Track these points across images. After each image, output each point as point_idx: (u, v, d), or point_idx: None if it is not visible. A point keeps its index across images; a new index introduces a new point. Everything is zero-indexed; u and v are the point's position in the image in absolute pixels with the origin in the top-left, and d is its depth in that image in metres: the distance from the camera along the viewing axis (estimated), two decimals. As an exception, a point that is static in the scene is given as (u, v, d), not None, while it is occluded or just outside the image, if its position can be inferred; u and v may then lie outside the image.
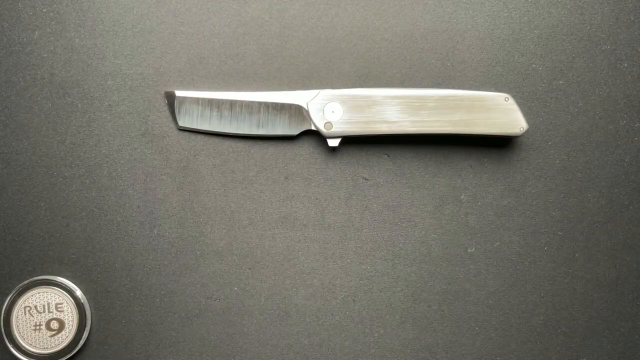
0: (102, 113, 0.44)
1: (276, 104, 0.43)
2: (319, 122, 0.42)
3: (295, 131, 0.43)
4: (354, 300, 0.44)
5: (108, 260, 0.44)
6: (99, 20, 0.44)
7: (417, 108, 0.42)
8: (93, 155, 0.44)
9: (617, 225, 0.44)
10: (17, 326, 0.43)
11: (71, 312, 0.43)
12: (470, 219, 0.44)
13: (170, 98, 0.43)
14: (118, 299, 0.43)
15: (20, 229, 0.43)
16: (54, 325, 0.43)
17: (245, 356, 0.43)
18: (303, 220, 0.44)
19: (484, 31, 0.44)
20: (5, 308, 0.43)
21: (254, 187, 0.44)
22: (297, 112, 0.43)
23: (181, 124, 0.43)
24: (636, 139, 0.44)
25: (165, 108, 0.44)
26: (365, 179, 0.44)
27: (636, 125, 0.44)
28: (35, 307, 0.43)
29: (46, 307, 0.43)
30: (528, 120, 0.43)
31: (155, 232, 0.44)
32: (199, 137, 0.44)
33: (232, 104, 0.43)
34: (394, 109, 0.42)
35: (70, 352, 0.43)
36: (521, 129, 0.42)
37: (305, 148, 0.44)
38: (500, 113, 0.42)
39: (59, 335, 0.43)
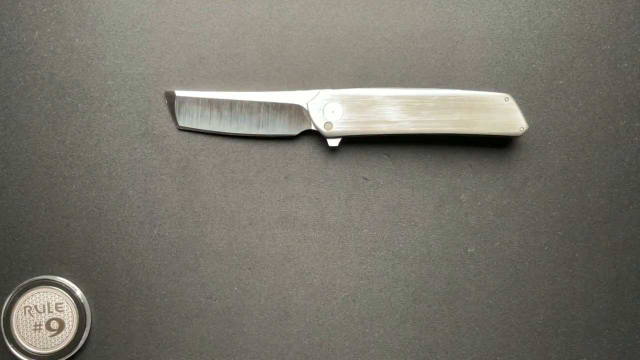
0: (102, 113, 0.44)
1: (276, 104, 0.43)
2: (319, 122, 0.42)
3: (295, 131, 0.43)
4: (354, 300, 0.44)
5: (108, 260, 0.44)
6: (99, 20, 0.44)
7: (417, 108, 0.42)
8: (93, 155, 0.44)
9: (617, 225, 0.44)
10: (17, 326, 0.43)
11: (71, 312, 0.43)
12: (470, 219, 0.44)
13: (170, 98, 0.43)
14: (118, 299, 0.43)
15: (20, 229, 0.43)
16: (54, 325, 0.43)
17: (245, 356, 0.44)
18: (303, 220, 0.44)
19: (484, 31, 0.44)
20: (5, 308, 0.43)
21: (254, 187, 0.44)
22: (297, 112, 0.43)
23: (181, 124, 0.43)
24: (636, 139, 0.44)
25: (165, 108, 0.44)
26: (365, 179, 0.44)
27: (636, 125, 0.44)
28: (35, 307, 0.43)
29: (46, 307, 0.43)
30: (528, 120, 0.43)
31: (155, 232, 0.44)
32: (199, 137, 0.44)
33: (232, 104, 0.43)
34: (394, 109, 0.42)
35: (70, 352, 0.43)
36: (521, 129, 0.42)
37: (305, 148, 0.44)
38: (500, 113, 0.42)
39: (59, 335, 0.43)
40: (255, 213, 0.44)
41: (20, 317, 0.43)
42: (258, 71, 0.44)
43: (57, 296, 0.43)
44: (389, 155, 0.44)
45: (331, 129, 0.42)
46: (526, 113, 0.43)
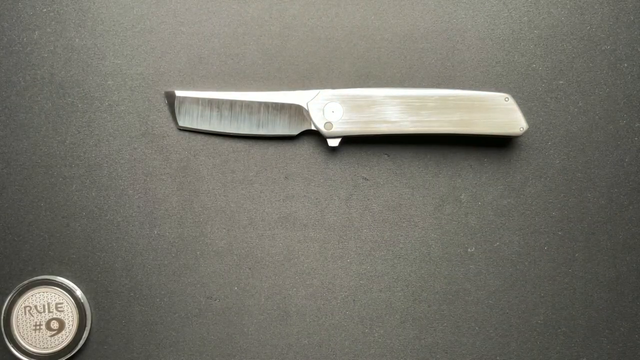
0: (102, 113, 0.44)
1: (276, 104, 0.43)
2: (319, 122, 0.42)
3: (295, 131, 0.43)
4: (354, 300, 0.44)
5: (108, 260, 0.44)
6: (99, 20, 0.44)
7: (417, 108, 0.42)
8: (93, 155, 0.44)
9: (617, 225, 0.44)
10: (17, 326, 0.43)
11: (71, 312, 0.43)
12: (470, 219, 0.44)
13: (170, 98, 0.43)
14: (118, 299, 0.43)
15: (20, 229, 0.43)
16: (54, 325, 0.43)
17: (245, 356, 0.44)
18: (303, 220, 0.44)
19: (484, 31, 0.44)
20: (5, 308, 0.43)
21: (254, 187, 0.44)
22: (297, 112, 0.43)
23: (181, 124, 0.43)
24: (636, 139, 0.44)
25: (165, 108, 0.44)
26: (365, 179, 0.44)
27: (636, 125, 0.44)
28: (35, 307, 0.43)
29: (46, 307, 0.43)
30: (528, 120, 0.43)
31: (155, 232, 0.44)
32: (199, 137, 0.44)
33: (232, 104, 0.43)
34: (394, 109, 0.42)
35: (70, 352, 0.43)
36: (521, 129, 0.42)
37: (305, 148, 0.44)
38: (500, 113, 0.42)
39: (59, 335, 0.43)
40: (255, 213, 0.44)
41: (20, 317, 0.43)
42: (258, 71, 0.44)
43: (57, 296, 0.43)
44: (389, 155, 0.44)
45: (331, 129, 0.42)
46: (526, 113, 0.43)
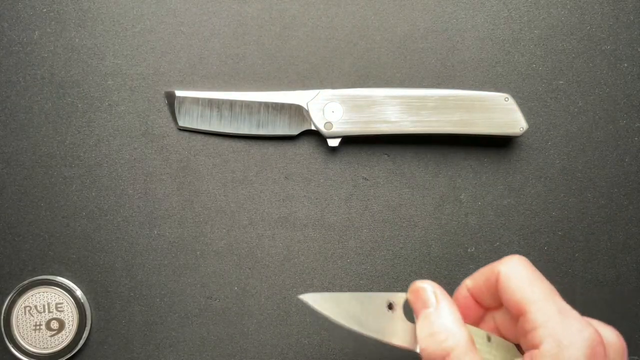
0: (102, 113, 0.44)
1: (276, 104, 0.43)
2: (319, 122, 0.42)
3: (295, 131, 0.43)
4: (354, 300, 0.44)
5: (108, 260, 0.44)
6: (99, 20, 0.44)
7: (417, 108, 0.42)
8: (93, 155, 0.44)
9: (617, 225, 0.44)
10: (17, 326, 0.43)
11: (71, 312, 0.43)
12: (470, 219, 0.44)
13: (170, 98, 0.43)
14: (118, 299, 0.43)
15: (20, 229, 0.43)
16: (54, 325, 0.43)
17: (245, 356, 0.43)
18: (303, 220, 0.44)
19: (484, 31, 0.44)
20: (6, 308, 0.43)
21: (254, 187, 0.44)
22: (297, 112, 0.43)
23: (181, 124, 0.43)
24: (636, 139, 0.44)
25: (165, 108, 0.44)
26: (365, 179, 0.44)
27: (636, 125, 0.44)
28: (35, 307, 0.43)
29: (46, 307, 0.43)
30: (528, 120, 0.43)
31: (155, 232, 0.44)
32: (199, 137, 0.44)
33: (232, 104, 0.43)
34: (394, 109, 0.42)
35: (70, 352, 0.43)
36: (521, 129, 0.42)
37: (305, 148, 0.44)
38: (500, 113, 0.42)
39: (59, 335, 0.43)
40: (255, 213, 0.44)
41: (20, 317, 0.43)
42: (258, 71, 0.44)
43: (57, 296, 0.43)
44: (389, 155, 0.44)
45: (331, 129, 0.42)
46: (526, 113, 0.43)
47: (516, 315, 0.30)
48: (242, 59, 0.44)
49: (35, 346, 0.43)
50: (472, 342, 0.30)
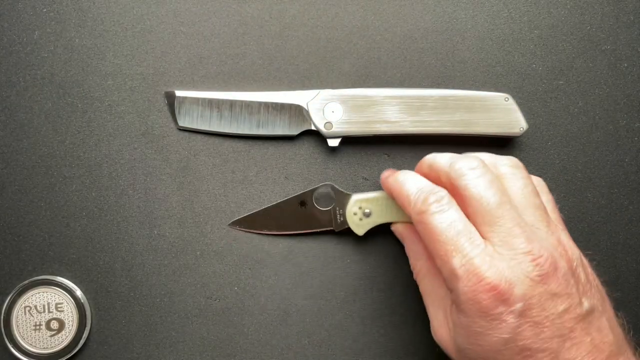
0: (102, 113, 0.44)
1: (276, 104, 0.43)
2: (319, 122, 0.42)
3: (295, 131, 0.43)
4: (354, 300, 0.44)
5: (108, 260, 0.44)
6: (99, 20, 0.44)
7: (417, 108, 0.42)
8: (93, 155, 0.44)
9: (617, 225, 0.44)
10: (17, 326, 0.43)
11: (71, 312, 0.43)
12: (470, 219, 0.44)
13: (170, 98, 0.43)
14: (118, 299, 0.43)
15: (20, 229, 0.43)
16: (54, 325, 0.43)
17: (245, 356, 0.43)
18: (303, 220, 0.44)
19: (484, 31, 0.44)
20: (5, 308, 0.43)
21: (254, 187, 0.44)
22: (297, 112, 0.43)
23: (181, 124, 0.43)
24: (636, 139, 0.44)
25: (165, 108, 0.44)
26: (365, 179, 0.44)
27: (636, 125, 0.44)
28: (35, 307, 0.43)
29: (46, 307, 0.43)
30: (528, 120, 0.43)
31: (155, 232, 0.44)
32: (199, 137, 0.44)
33: (232, 104, 0.43)
34: (394, 109, 0.42)
35: (70, 352, 0.43)
36: (521, 129, 0.42)
37: (305, 148, 0.44)
38: (500, 113, 0.42)
39: (59, 335, 0.43)
40: (255, 213, 0.44)
41: (20, 317, 0.43)
42: (258, 71, 0.44)
43: (57, 296, 0.43)
44: (389, 155, 0.44)
45: (331, 129, 0.42)
46: (526, 113, 0.43)
47: None
48: (242, 59, 0.44)
49: (35, 346, 0.43)
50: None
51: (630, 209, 0.44)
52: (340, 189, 0.42)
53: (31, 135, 0.44)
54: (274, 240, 0.44)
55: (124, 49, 0.44)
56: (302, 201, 0.43)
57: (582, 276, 0.34)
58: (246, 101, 0.43)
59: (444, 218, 0.34)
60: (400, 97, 0.42)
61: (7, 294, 0.43)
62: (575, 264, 0.34)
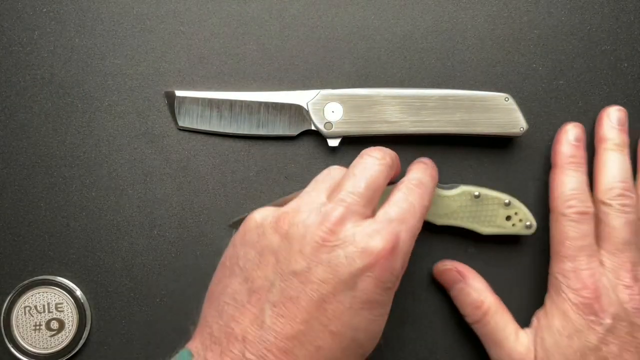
0: (102, 113, 0.44)
1: (276, 104, 0.43)
2: (319, 122, 0.42)
3: (295, 131, 0.43)
4: (354, 300, 0.44)
5: (108, 260, 0.44)
6: (99, 20, 0.44)
7: (417, 108, 0.42)
8: (93, 155, 0.44)
9: (617, 225, 0.44)
10: (17, 326, 0.43)
11: (71, 312, 0.43)
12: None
13: (170, 98, 0.43)
14: (118, 299, 0.43)
15: (20, 229, 0.43)
16: (54, 325, 0.43)
17: (245, 356, 0.43)
18: (303, 220, 0.44)
19: (484, 31, 0.44)
20: (5, 308, 0.43)
21: (254, 187, 0.44)
22: (297, 112, 0.43)
23: (181, 124, 0.43)
24: (636, 138, 0.44)
25: (165, 108, 0.44)
26: (365, 179, 0.44)
27: (636, 125, 0.44)
28: (35, 307, 0.43)
29: (46, 307, 0.43)
30: (528, 120, 0.43)
31: (155, 232, 0.44)
32: (199, 137, 0.44)
33: (232, 104, 0.43)
34: (394, 109, 0.42)
35: (70, 352, 0.43)
36: (521, 129, 0.42)
37: (305, 148, 0.44)
38: (500, 113, 0.42)
39: (59, 335, 0.43)
40: (255, 213, 0.44)
41: (20, 317, 0.43)
42: (258, 71, 0.44)
43: (57, 296, 0.43)
44: (389, 155, 0.44)
45: (331, 129, 0.42)
46: (526, 113, 0.43)
47: None
48: (242, 59, 0.44)
49: (35, 346, 0.43)
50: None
51: (630, 209, 0.44)
52: None
53: (31, 135, 0.44)
54: (274, 240, 0.44)
55: (124, 49, 0.44)
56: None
57: None
58: (246, 101, 0.43)
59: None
60: (401, 97, 0.42)
61: (7, 294, 0.43)
62: None
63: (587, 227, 0.39)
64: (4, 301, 0.43)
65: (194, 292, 0.43)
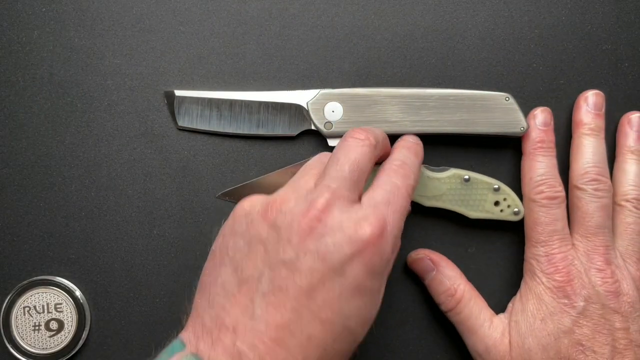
0: (102, 113, 0.44)
1: (276, 103, 0.43)
2: (319, 122, 0.42)
3: (295, 131, 0.43)
4: (354, 300, 0.44)
5: (108, 260, 0.43)
6: (99, 20, 0.44)
7: (417, 108, 0.42)
8: (93, 155, 0.44)
9: (618, 225, 0.44)
10: (17, 326, 0.43)
11: (70, 312, 0.43)
12: (470, 219, 0.43)
13: (170, 98, 0.43)
14: (118, 299, 0.43)
15: (20, 229, 0.43)
16: (53, 325, 0.43)
17: (245, 356, 0.43)
18: (303, 220, 0.44)
19: (484, 31, 0.44)
20: (5, 308, 0.43)
21: (254, 187, 0.44)
22: (297, 112, 0.43)
23: (181, 123, 0.43)
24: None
25: (165, 108, 0.44)
26: (366, 179, 0.44)
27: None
28: (35, 307, 0.43)
29: (45, 307, 0.43)
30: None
31: (155, 232, 0.43)
32: (199, 137, 0.44)
33: (231, 103, 0.43)
34: (394, 109, 0.42)
35: (69, 352, 0.43)
36: (522, 128, 0.42)
37: (305, 148, 0.44)
38: (500, 113, 0.42)
39: (59, 335, 0.43)
40: (255, 213, 0.44)
41: (19, 317, 0.43)
42: (258, 71, 0.44)
43: (56, 296, 0.43)
44: (389, 155, 0.44)
45: (331, 129, 0.42)
46: (527, 113, 0.43)
47: None
48: (242, 59, 0.44)
49: (34, 346, 0.43)
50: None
51: (630, 209, 0.44)
52: None
53: (30, 135, 0.43)
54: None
55: (123, 48, 0.44)
56: (294, 173, 0.40)
57: None
58: (246, 101, 0.43)
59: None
60: (401, 97, 0.42)
61: (6, 295, 0.43)
62: None
63: (558, 212, 0.40)
64: (3, 301, 0.43)
65: (193, 292, 0.43)
